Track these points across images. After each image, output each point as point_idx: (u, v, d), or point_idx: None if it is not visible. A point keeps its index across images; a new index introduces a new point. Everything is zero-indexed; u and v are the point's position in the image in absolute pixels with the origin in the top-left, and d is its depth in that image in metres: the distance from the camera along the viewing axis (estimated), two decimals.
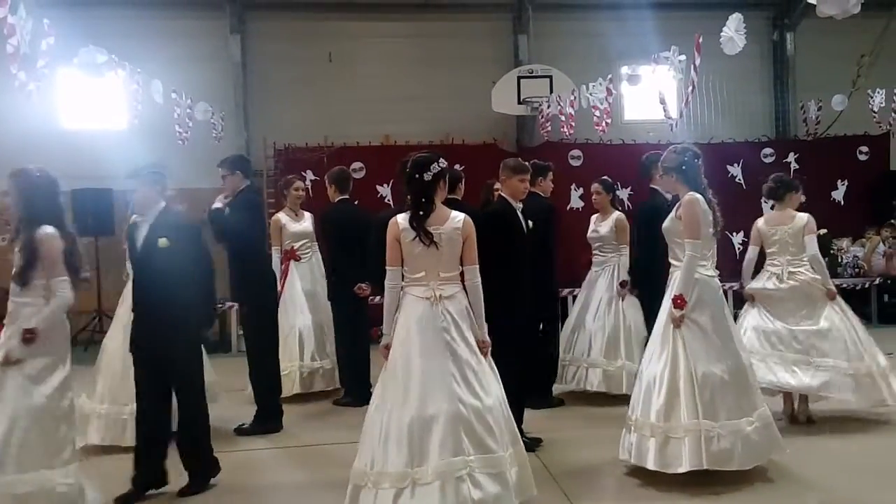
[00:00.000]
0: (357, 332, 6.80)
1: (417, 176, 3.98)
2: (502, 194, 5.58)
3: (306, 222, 7.45)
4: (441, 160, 4.07)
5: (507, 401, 3.99)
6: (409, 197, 4.06)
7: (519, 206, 5.49)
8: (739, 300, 11.03)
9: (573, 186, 11.36)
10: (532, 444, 5.39)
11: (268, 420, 5.99)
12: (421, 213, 3.94)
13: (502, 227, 5.32)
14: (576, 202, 11.38)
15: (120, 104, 9.68)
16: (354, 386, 6.76)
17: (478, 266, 4.06)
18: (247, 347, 6.18)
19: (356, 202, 7.59)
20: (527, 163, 5.70)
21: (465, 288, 4.03)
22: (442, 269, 3.95)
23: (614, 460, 5.00)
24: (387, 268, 4.00)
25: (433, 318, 3.86)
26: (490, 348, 4.08)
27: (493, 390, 3.89)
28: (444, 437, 3.66)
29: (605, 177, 7.44)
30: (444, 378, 3.77)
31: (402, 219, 4.00)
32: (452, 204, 6.71)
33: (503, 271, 5.13)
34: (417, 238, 3.91)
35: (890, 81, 10.57)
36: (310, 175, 11.09)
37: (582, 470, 5.01)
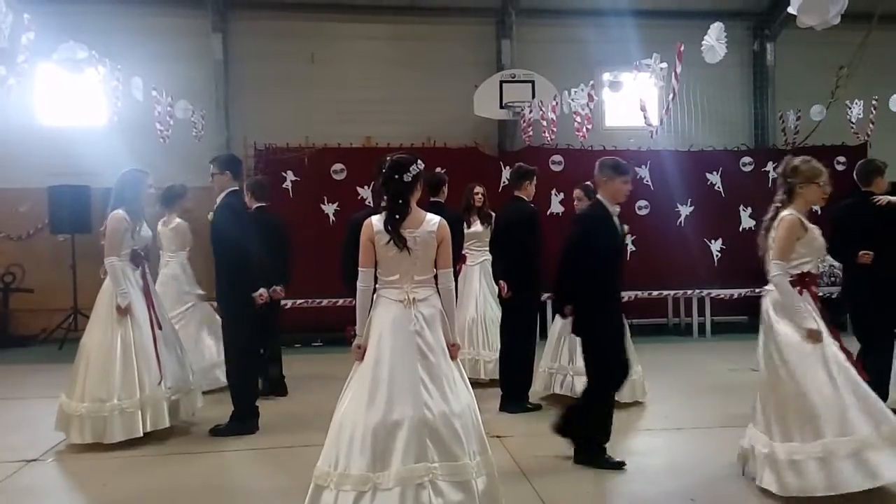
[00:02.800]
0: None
1: (397, 177, 3.91)
2: (599, 197, 5.08)
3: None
4: (419, 162, 4.01)
5: (477, 408, 3.93)
6: (385, 198, 3.97)
7: (616, 210, 5.07)
8: (722, 307, 11.19)
9: (553, 191, 11.40)
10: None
11: (244, 421, 5.95)
12: (396, 216, 3.88)
13: (601, 235, 4.93)
14: (556, 207, 11.41)
15: (99, 101, 9.60)
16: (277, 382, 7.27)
17: (452, 270, 4.01)
18: (225, 349, 6.15)
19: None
20: (609, 161, 5.15)
21: (438, 291, 3.97)
22: (416, 273, 3.89)
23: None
24: (359, 269, 3.92)
25: (406, 322, 3.82)
26: (460, 350, 4.06)
27: (462, 396, 3.84)
28: (408, 443, 3.63)
29: (587, 182, 7.43)
30: (413, 383, 3.73)
31: (376, 220, 3.92)
32: (435, 206, 6.73)
33: (606, 283, 4.91)
34: (392, 242, 3.85)
35: (868, 92, 10.72)
36: (290, 175, 11.06)
37: (556, 470, 5.02)
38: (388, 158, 3.99)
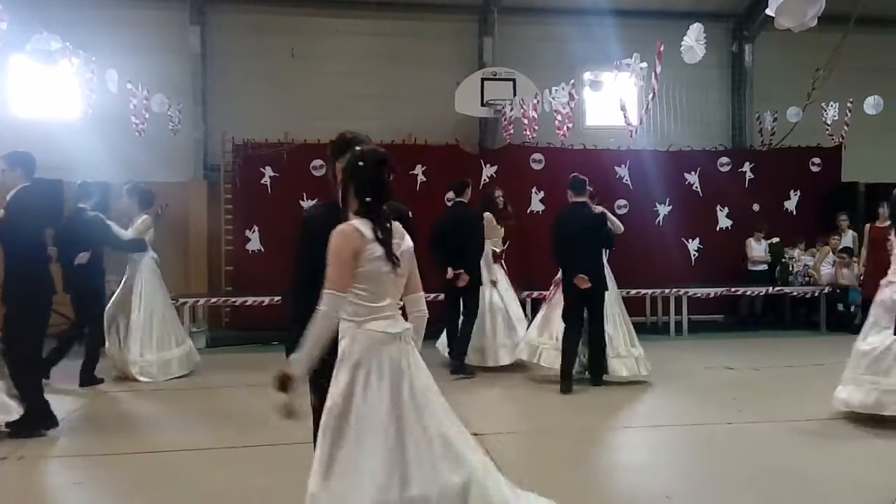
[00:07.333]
0: None
1: (384, 173, 3.08)
2: None
3: None
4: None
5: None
6: (367, 196, 3.04)
7: None
8: (698, 306, 11.25)
9: (534, 189, 11.43)
10: None
11: (34, 420, 5.67)
12: (388, 224, 3.05)
13: None
14: (536, 205, 11.44)
15: (73, 93, 9.47)
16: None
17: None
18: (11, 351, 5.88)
19: None
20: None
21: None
22: (398, 297, 3.14)
23: (566, 455, 5.02)
24: (328, 291, 2.93)
25: (402, 364, 3.04)
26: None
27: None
28: None
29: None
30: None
31: (363, 227, 2.98)
32: (459, 206, 7.57)
33: None
34: (384, 256, 3.00)
35: (843, 95, 10.84)
36: (269, 171, 10.98)
37: (533, 466, 4.98)
38: (358, 148, 3.15)
